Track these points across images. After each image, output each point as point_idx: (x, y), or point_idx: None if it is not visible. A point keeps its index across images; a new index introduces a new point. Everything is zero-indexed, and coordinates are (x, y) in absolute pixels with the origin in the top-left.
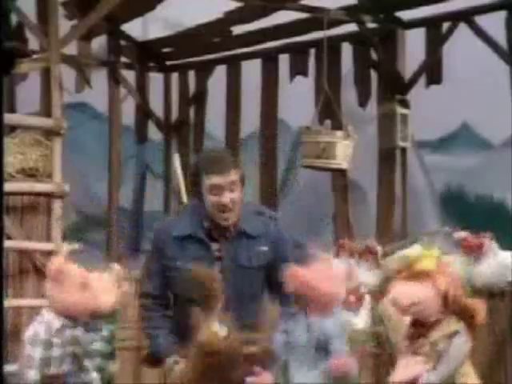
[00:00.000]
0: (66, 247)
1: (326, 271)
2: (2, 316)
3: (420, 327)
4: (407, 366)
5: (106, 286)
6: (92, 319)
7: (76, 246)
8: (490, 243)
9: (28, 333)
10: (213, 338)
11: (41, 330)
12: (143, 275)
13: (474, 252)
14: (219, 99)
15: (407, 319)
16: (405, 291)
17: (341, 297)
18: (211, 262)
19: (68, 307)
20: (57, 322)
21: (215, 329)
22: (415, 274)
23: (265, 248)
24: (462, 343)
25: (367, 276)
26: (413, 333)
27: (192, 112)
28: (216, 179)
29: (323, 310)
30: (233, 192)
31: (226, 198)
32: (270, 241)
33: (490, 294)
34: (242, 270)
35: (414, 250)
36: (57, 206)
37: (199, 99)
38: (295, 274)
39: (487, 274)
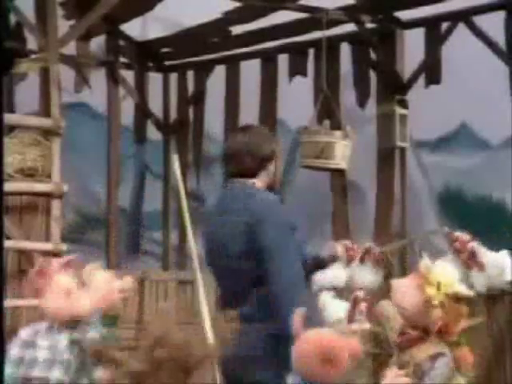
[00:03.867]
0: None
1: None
2: (2, 316)
3: (408, 339)
4: (391, 379)
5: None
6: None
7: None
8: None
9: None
10: (164, 329)
11: (27, 330)
12: None
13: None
14: (218, 99)
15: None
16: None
17: None
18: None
19: (52, 313)
20: (44, 325)
21: (167, 322)
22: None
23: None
24: (444, 365)
25: (367, 277)
26: (400, 343)
27: (191, 112)
28: None
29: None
30: None
31: None
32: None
33: (489, 294)
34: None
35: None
36: (56, 206)
37: (198, 99)
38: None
39: (485, 276)
